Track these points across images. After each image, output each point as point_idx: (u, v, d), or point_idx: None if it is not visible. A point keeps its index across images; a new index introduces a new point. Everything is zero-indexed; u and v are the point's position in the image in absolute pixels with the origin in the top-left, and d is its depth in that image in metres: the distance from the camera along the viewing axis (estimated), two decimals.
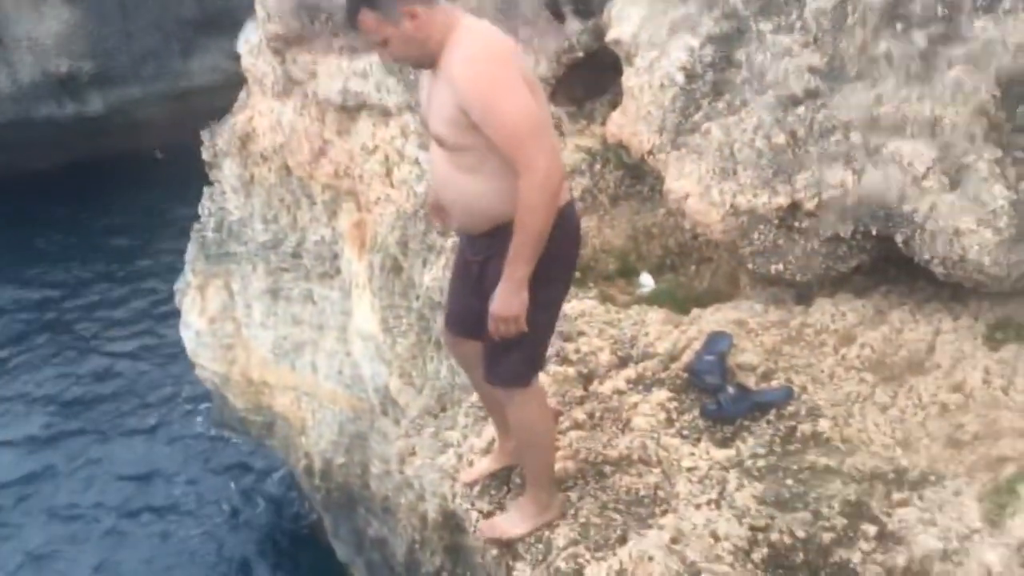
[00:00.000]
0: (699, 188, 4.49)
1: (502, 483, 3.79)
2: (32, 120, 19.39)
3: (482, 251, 3.16)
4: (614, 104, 6.12)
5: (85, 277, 15.93)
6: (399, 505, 7.11)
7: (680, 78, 4.89)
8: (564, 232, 3.06)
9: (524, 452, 3.49)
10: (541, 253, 2.95)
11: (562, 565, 3.34)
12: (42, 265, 16.47)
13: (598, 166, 5.77)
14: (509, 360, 3.20)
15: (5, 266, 16.33)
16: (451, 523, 5.04)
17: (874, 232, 4.11)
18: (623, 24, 5.55)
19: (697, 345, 4.17)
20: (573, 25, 6.45)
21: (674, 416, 3.84)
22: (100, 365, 13.48)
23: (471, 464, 4.01)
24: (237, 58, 8.01)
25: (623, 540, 3.28)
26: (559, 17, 6.49)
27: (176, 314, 9.85)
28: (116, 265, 16.16)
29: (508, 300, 2.98)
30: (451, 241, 5.62)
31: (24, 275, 16.20)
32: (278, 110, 7.35)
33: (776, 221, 4.31)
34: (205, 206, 8.68)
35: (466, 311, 3.36)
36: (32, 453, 11.86)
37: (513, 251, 2.93)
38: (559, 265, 3.13)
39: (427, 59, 3.02)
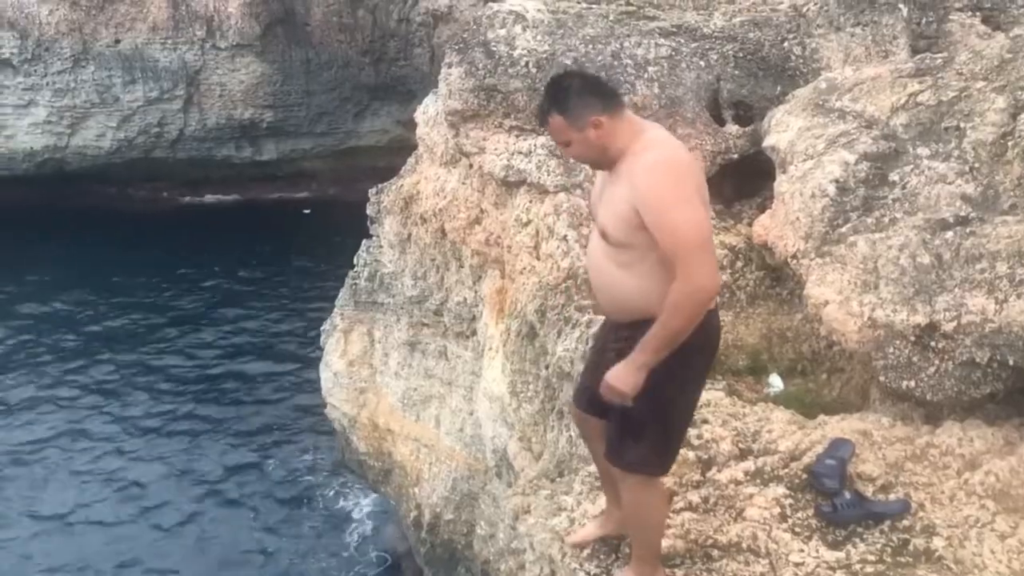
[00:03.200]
0: (839, 297, 4.61)
1: (612, 550, 3.95)
2: (212, 159, 21.05)
3: (621, 340, 3.37)
4: (762, 207, 6.32)
5: (227, 311, 16.97)
6: (499, 570, 7.27)
7: (832, 190, 5.07)
8: (705, 337, 3.28)
9: (634, 526, 3.66)
10: (682, 352, 3.15)
11: None
12: (196, 287, 17.67)
13: (740, 264, 5.95)
14: (638, 449, 3.37)
15: (156, 283, 17.57)
16: None
17: (1011, 362, 4.13)
18: (781, 133, 5.79)
19: (819, 448, 4.25)
20: (731, 129, 6.72)
21: (788, 512, 3.93)
22: (228, 392, 14.32)
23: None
24: (403, 124, 8.67)
25: None
26: (719, 120, 6.78)
27: (303, 354, 10.43)
28: (258, 304, 17.15)
29: (625, 376, 3.20)
30: (587, 317, 5.89)
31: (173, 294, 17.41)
32: (443, 177, 7.87)
33: (912, 339, 4.38)
34: (361, 256, 9.27)
35: (596, 391, 3.54)
36: (171, 468, 12.67)
37: (646, 339, 3.16)
38: (696, 365, 3.35)
39: (605, 163, 3.33)
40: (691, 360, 3.24)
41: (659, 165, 3.16)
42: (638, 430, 3.31)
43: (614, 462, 3.47)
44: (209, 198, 21.46)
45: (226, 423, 13.53)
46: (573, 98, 3.23)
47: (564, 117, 3.25)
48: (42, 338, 15.79)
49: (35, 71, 19.51)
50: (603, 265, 3.36)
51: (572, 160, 3.68)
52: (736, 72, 6.89)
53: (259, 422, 13.53)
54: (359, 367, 9.48)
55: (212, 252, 18.84)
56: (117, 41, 19.48)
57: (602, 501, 4.23)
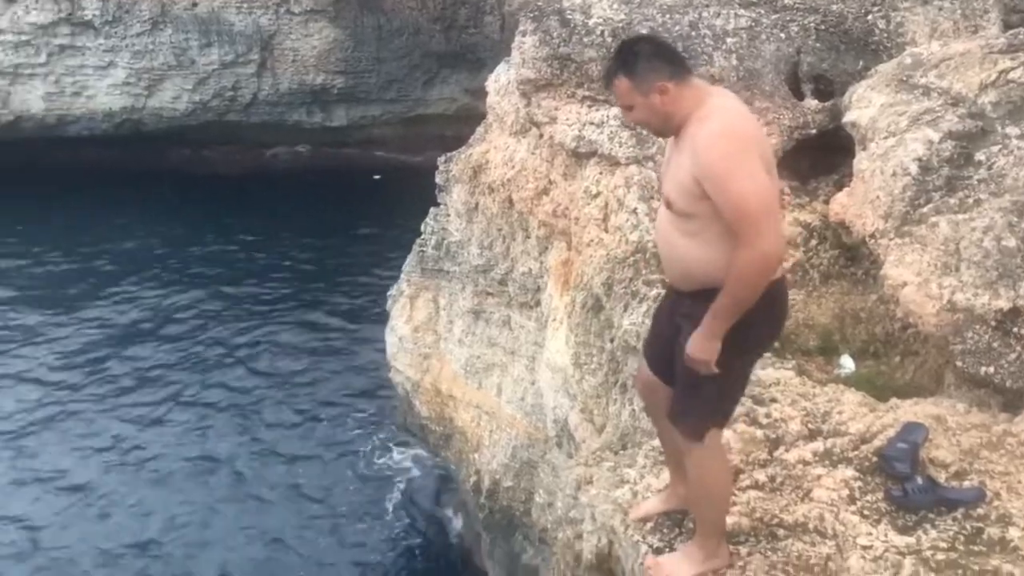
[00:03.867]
0: (918, 279, 4.50)
1: (675, 524, 3.94)
2: (284, 123, 21.34)
3: (685, 308, 3.37)
4: (839, 184, 6.18)
5: (298, 272, 17.27)
6: (556, 539, 7.33)
7: (914, 168, 4.93)
8: (770, 306, 3.24)
9: (699, 502, 3.64)
10: (745, 320, 3.16)
11: None
12: (262, 250, 18.00)
13: (814, 242, 5.84)
14: (695, 405, 3.39)
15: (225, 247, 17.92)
16: (604, 567, 5.20)
17: None
18: (863, 108, 5.64)
19: (891, 432, 4.17)
20: (811, 103, 6.57)
21: (857, 495, 3.87)
22: (295, 352, 14.61)
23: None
24: (471, 92, 8.66)
25: None
26: (798, 94, 6.62)
27: (371, 318, 10.57)
28: (326, 267, 17.41)
29: (702, 345, 3.22)
30: (655, 291, 5.85)
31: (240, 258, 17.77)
32: (513, 147, 7.86)
33: (993, 324, 4.26)
34: (429, 224, 9.33)
35: (661, 356, 3.60)
36: (219, 421, 13.02)
37: (715, 308, 3.17)
38: (758, 334, 3.32)
39: (668, 130, 3.32)
40: (751, 328, 3.21)
41: (720, 134, 3.13)
42: (696, 390, 3.34)
43: (674, 420, 3.50)
44: (283, 157, 21.76)
45: (292, 383, 13.82)
46: (642, 62, 3.21)
47: (631, 80, 3.23)
48: (115, 298, 16.26)
49: (115, 33, 19.93)
50: (669, 234, 3.36)
51: (634, 125, 3.67)
52: (817, 45, 6.72)
53: (324, 384, 13.80)
54: (424, 333, 9.58)
55: (282, 215, 19.16)
56: (194, 4, 19.80)
57: (666, 476, 4.23)
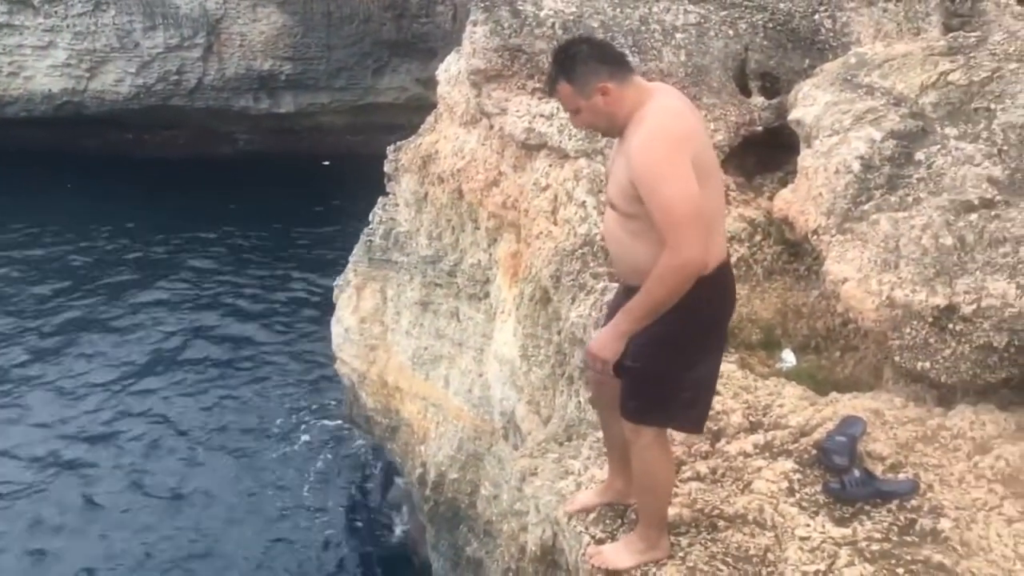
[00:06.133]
0: (858, 275, 4.58)
1: (618, 515, 3.97)
2: (229, 110, 20.97)
3: None
4: (784, 181, 6.27)
5: (242, 259, 17.02)
6: (501, 531, 7.35)
7: (857, 166, 5.02)
8: (710, 295, 3.25)
9: (641, 492, 3.67)
10: (677, 315, 3.17)
11: None
12: (206, 243, 17.69)
13: (758, 238, 5.92)
14: (643, 397, 3.40)
15: (172, 237, 17.58)
16: (548, 559, 5.22)
17: None
18: (808, 106, 5.73)
19: (830, 425, 4.25)
20: (757, 100, 6.65)
21: (796, 487, 3.93)
22: (237, 342, 14.40)
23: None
24: (422, 82, 8.60)
25: None
26: (745, 91, 6.70)
27: (316, 307, 10.47)
28: (272, 255, 17.18)
29: (605, 343, 3.27)
30: (602, 284, 5.87)
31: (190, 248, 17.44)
32: (463, 137, 7.83)
33: (930, 320, 4.35)
34: (377, 214, 9.26)
35: None
36: (184, 407, 12.79)
37: (629, 307, 3.22)
38: (700, 324, 3.31)
39: (613, 130, 3.34)
40: (688, 323, 3.23)
41: (652, 137, 3.14)
42: (643, 383, 3.36)
43: (623, 413, 3.49)
44: (229, 142, 21.39)
45: (232, 374, 13.62)
46: (580, 65, 3.22)
47: (571, 84, 3.25)
48: (47, 281, 15.87)
49: (55, 12, 19.39)
50: (616, 232, 3.39)
51: (582, 128, 3.69)
52: (765, 43, 6.80)
53: (267, 375, 13.62)
54: (370, 324, 9.50)
55: (227, 202, 18.84)
56: None
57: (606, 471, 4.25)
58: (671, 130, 3.17)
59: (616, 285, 4.44)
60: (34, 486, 11.26)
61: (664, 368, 3.32)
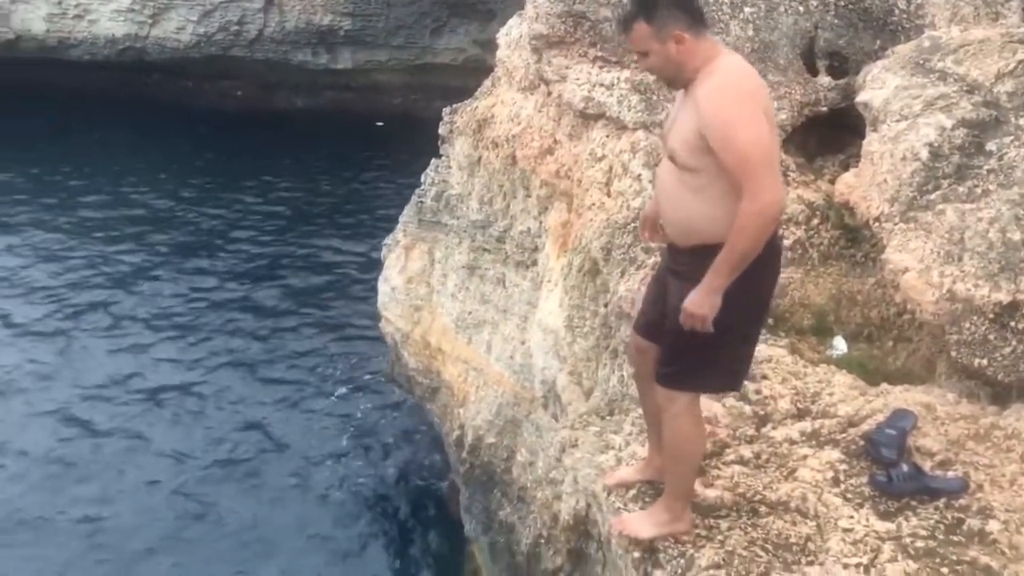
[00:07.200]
0: (920, 266, 4.47)
1: (657, 493, 3.94)
2: (287, 63, 21.06)
3: (681, 263, 3.40)
4: (845, 164, 6.13)
5: (292, 215, 17.14)
6: (535, 498, 7.37)
7: (925, 154, 4.88)
8: (764, 262, 3.23)
9: (670, 461, 3.67)
10: (739, 276, 3.17)
11: None
12: (261, 194, 17.84)
13: (816, 221, 5.80)
14: (681, 362, 3.41)
15: (224, 191, 17.75)
16: (580, 528, 5.23)
17: None
18: (877, 89, 5.57)
19: (880, 417, 4.17)
20: (824, 80, 6.48)
21: (841, 477, 3.88)
22: (285, 296, 14.55)
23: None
24: (480, 44, 8.52)
25: None
26: (812, 70, 6.53)
27: (363, 265, 10.54)
28: (322, 213, 17.27)
29: (701, 301, 3.23)
30: (653, 259, 5.81)
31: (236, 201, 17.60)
32: (520, 103, 7.75)
33: (991, 316, 4.24)
34: (429, 175, 9.24)
35: (654, 317, 3.61)
36: (220, 356, 13.00)
37: (717, 263, 3.18)
38: (748, 290, 3.27)
39: (679, 81, 3.33)
40: (737, 287, 3.21)
41: (724, 88, 3.15)
42: (679, 349, 3.37)
43: (658, 379, 3.50)
44: (285, 97, 21.49)
45: (278, 329, 13.77)
46: (662, 9, 3.22)
47: (649, 25, 3.24)
48: (105, 228, 16.10)
49: None
50: (672, 189, 3.37)
51: (647, 71, 3.68)
52: (835, 21, 6.61)
53: (312, 330, 13.75)
54: (417, 285, 9.53)
55: (281, 158, 18.97)
56: None
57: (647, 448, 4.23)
58: (742, 84, 3.20)
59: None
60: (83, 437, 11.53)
61: (714, 337, 3.28)
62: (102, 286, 14.45)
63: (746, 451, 4.08)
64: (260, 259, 15.54)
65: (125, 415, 11.70)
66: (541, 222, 7.82)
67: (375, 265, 10.56)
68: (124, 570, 9.44)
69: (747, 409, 4.37)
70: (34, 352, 12.80)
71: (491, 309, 8.82)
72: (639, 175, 6.35)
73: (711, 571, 3.50)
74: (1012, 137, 4.87)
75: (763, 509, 3.79)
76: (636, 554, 3.77)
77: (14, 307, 13.76)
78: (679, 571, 3.58)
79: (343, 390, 12.54)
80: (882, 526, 3.59)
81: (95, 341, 13.13)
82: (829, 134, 6.48)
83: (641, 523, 3.73)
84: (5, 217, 16.24)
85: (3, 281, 14.36)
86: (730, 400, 4.33)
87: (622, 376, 5.88)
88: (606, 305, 6.32)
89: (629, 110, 6.43)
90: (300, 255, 15.72)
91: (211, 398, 12.21)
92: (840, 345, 5.18)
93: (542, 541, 7.03)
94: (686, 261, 3.36)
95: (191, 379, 12.46)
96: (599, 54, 6.58)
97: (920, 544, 3.50)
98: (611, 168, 6.57)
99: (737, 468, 4.00)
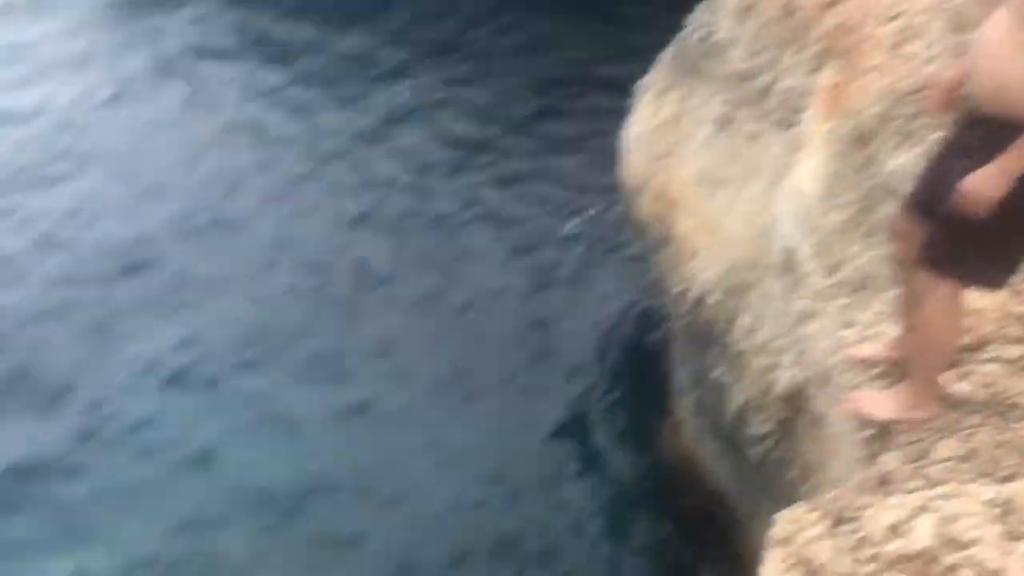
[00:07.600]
0: None
1: (902, 377, 3.80)
2: None
3: (978, 134, 3.07)
4: None
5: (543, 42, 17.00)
6: (750, 365, 7.30)
7: None
8: None
9: (921, 346, 3.51)
10: None
11: (933, 472, 3.36)
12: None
13: None
14: (948, 248, 3.20)
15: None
16: (795, 402, 5.14)
17: None
18: None
19: None
20: None
21: None
22: (527, 125, 14.63)
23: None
24: None
25: (1010, 479, 3.21)
26: None
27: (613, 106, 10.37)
28: (575, 45, 16.97)
29: (986, 180, 2.94)
30: (934, 135, 5.34)
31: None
32: None
33: None
34: (697, 18, 8.86)
35: (927, 199, 3.36)
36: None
37: (1021, 143, 2.86)
38: None
39: None
40: None
41: None
42: (955, 233, 3.14)
43: (924, 264, 3.31)
44: None
45: (515, 160, 13.97)
46: None
47: None
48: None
49: None
50: (1002, 45, 2.94)
51: None
52: None
53: (548, 172, 13.84)
54: (664, 132, 9.34)
55: None
56: None
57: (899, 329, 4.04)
58: None
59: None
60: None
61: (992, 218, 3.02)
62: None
63: (1011, 351, 3.81)
64: (512, 79, 15.51)
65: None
66: (811, 81, 7.36)
67: (623, 109, 10.37)
68: None
69: (1018, 309, 4.04)
70: None
71: (739, 166, 8.52)
72: (934, 41, 5.79)
73: (949, 463, 3.36)
74: None
75: (1016, 414, 3.56)
76: (867, 433, 3.68)
77: None
78: (913, 457, 3.47)
79: (570, 229, 12.70)
80: None
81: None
82: None
83: (881, 403, 3.64)
84: None
85: None
86: (1003, 295, 4.01)
87: (874, 256, 5.57)
88: (871, 178, 5.94)
89: None
90: (554, 83, 15.51)
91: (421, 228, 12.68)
92: None
93: (751, 406, 7.01)
94: (989, 136, 3.02)
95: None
96: None
97: None
98: (905, 29, 6.02)
99: (996, 367, 3.76)
